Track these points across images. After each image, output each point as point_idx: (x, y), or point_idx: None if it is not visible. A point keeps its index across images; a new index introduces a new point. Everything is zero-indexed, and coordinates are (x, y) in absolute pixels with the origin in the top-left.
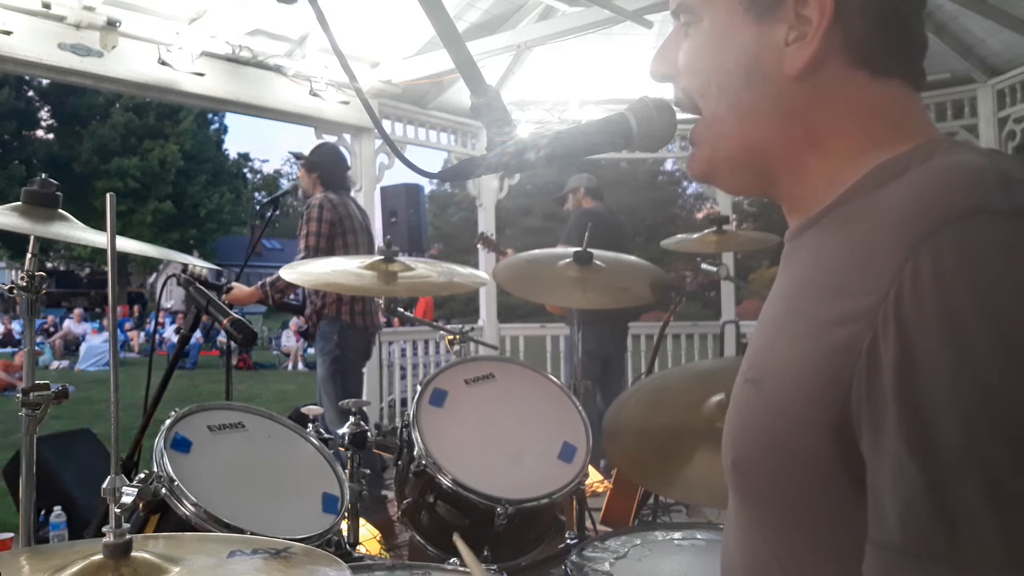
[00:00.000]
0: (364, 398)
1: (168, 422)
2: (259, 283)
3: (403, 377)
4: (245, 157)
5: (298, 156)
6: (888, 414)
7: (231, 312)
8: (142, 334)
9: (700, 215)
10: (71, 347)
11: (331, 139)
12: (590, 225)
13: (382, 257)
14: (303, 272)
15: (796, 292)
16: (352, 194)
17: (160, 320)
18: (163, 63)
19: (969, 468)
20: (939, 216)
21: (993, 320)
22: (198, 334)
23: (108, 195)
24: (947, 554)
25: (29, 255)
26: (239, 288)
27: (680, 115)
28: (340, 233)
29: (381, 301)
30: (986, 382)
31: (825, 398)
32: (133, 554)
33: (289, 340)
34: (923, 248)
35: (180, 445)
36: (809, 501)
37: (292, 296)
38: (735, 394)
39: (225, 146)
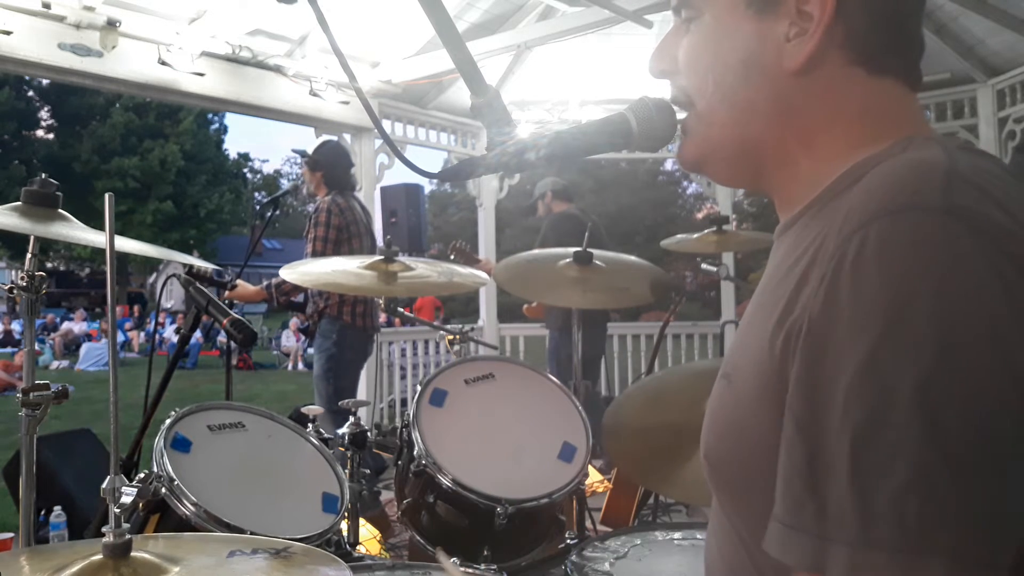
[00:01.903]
0: (360, 398)
1: (168, 422)
2: (264, 284)
3: (403, 377)
4: (245, 157)
5: (302, 154)
6: (792, 393)
7: (231, 312)
8: (142, 334)
9: (700, 215)
10: (71, 347)
11: (331, 139)
12: (567, 227)
13: (382, 257)
14: (303, 272)
15: (765, 288)
16: (355, 193)
17: (160, 320)
18: (163, 63)
19: (840, 445)
20: (874, 210)
21: (893, 309)
22: (198, 334)
23: (107, 195)
24: (813, 527)
25: (29, 255)
26: (243, 286)
27: (680, 114)
28: (346, 239)
29: (381, 301)
30: (873, 367)
31: (774, 386)
32: (133, 554)
33: (289, 340)
34: (853, 239)
35: (180, 445)
36: (769, 488)
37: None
38: (712, 390)
39: (225, 146)
